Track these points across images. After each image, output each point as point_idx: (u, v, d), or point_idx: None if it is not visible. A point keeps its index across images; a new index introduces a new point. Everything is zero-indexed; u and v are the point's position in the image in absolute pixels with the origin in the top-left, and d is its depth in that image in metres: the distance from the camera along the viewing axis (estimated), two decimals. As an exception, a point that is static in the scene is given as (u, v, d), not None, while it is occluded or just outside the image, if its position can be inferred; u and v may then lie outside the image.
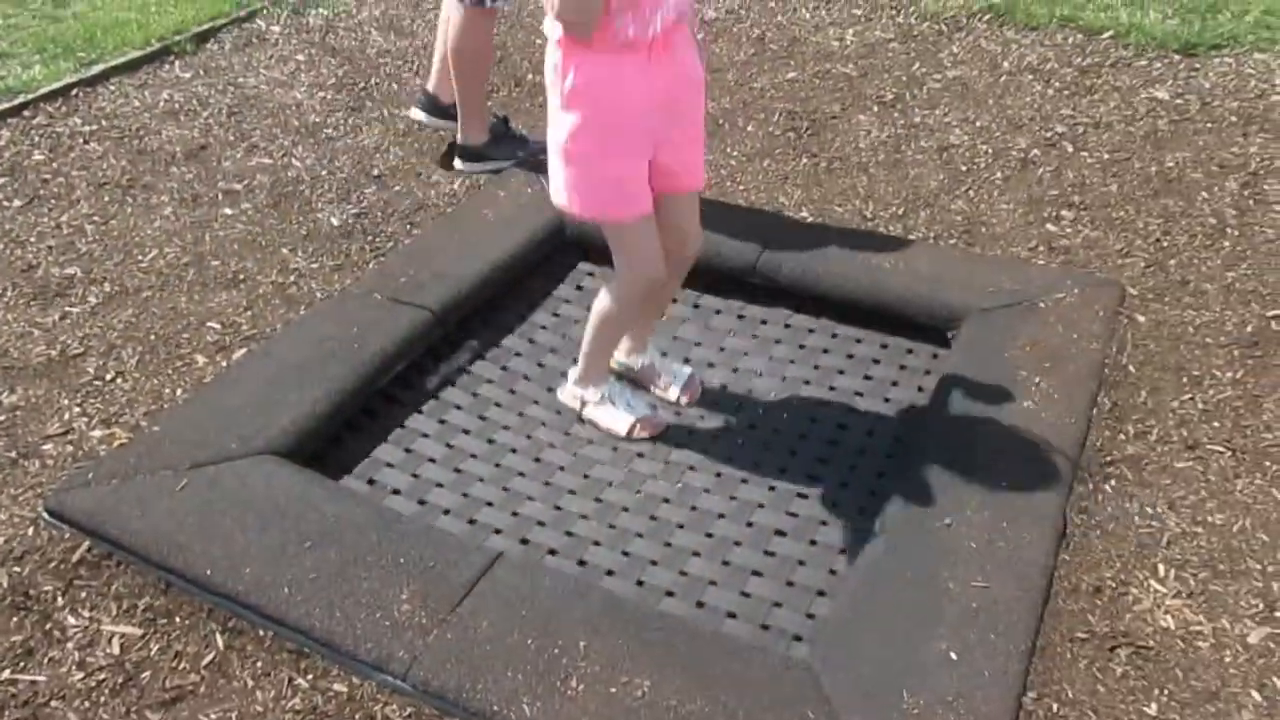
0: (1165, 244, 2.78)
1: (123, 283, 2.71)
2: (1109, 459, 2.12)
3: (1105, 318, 2.44)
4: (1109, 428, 2.19)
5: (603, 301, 2.18)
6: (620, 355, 2.44)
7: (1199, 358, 2.38)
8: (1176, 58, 3.68)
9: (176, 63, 3.80)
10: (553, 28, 1.85)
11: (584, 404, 2.34)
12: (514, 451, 2.28)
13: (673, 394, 2.42)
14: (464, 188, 3.12)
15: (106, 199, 3.05)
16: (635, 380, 2.45)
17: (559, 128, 1.94)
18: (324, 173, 3.19)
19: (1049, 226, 2.88)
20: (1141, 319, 2.50)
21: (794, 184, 3.12)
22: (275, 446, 2.10)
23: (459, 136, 3.19)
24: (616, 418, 2.31)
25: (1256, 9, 3.86)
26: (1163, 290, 2.60)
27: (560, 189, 2.00)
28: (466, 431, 2.33)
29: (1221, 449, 2.14)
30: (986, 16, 4.03)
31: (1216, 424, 2.20)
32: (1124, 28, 3.83)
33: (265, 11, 4.18)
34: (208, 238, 2.90)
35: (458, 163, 3.21)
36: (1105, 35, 3.84)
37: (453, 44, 3.02)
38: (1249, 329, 2.45)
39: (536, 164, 3.07)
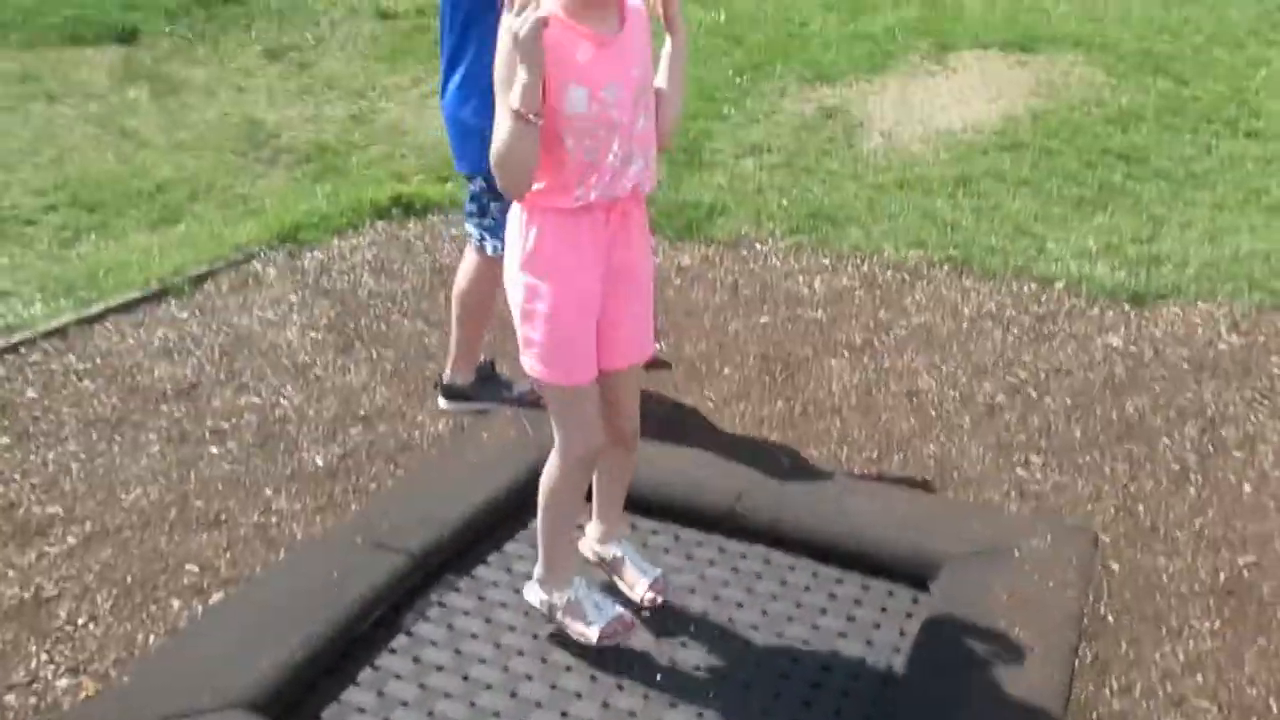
0: (1133, 489, 2.86)
1: (103, 522, 2.71)
2: (1095, 715, 2.10)
3: (1080, 565, 2.48)
4: (1092, 681, 2.19)
5: (546, 477, 2.19)
6: (593, 542, 2.43)
7: (1176, 607, 2.40)
8: (1127, 306, 3.90)
9: (173, 303, 3.94)
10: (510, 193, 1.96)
11: (552, 609, 2.30)
12: (489, 688, 2.23)
13: (639, 591, 2.40)
14: (448, 429, 3.19)
15: (95, 436, 3.09)
16: (606, 570, 2.44)
17: (511, 285, 2.03)
18: (311, 412, 3.26)
19: (1019, 471, 2.97)
20: (1116, 566, 2.54)
21: (771, 427, 3.22)
22: (250, 699, 2.04)
23: (446, 375, 3.29)
24: (586, 627, 2.27)
25: (1195, 262, 4.14)
26: (1134, 537, 2.66)
27: (521, 348, 2.07)
28: (440, 668, 2.28)
29: (1207, 704, 2.13)
30: (945, 266, 4.27)
31: (1200, 678, 2.20)
32: (1075, 278, 4.08)
33: (262, 254, 4.37)
34: (192, 476, 2.92)
35: (442, 401, 3.29)
36: (1058, 284, 4.07)
37: (460, 286, 3.15)
38: (1222, 577, 2.50)
39: (519, 407, 3.16)
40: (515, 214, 2.02)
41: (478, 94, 2.77)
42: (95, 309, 3.81)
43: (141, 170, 5.10)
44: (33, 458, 2.98)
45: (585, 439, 2.12)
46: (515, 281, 2.03)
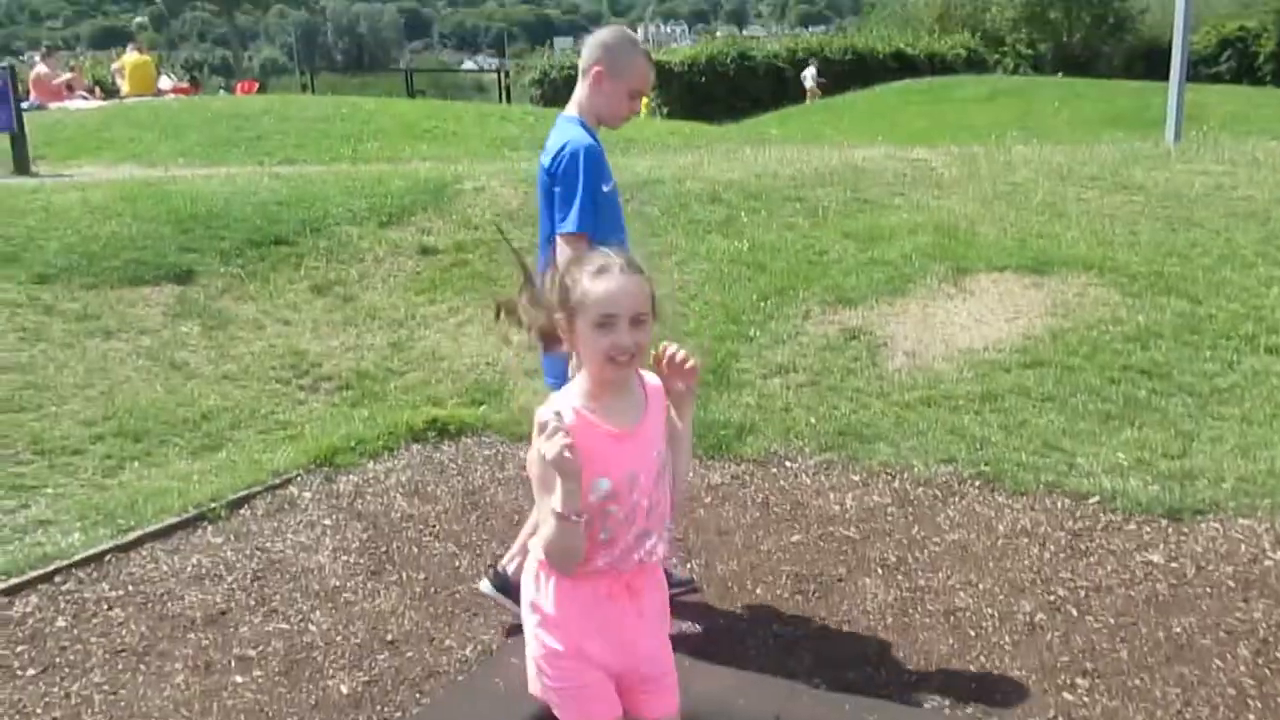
0: (1188, 715, 2.73)
1: (122, 757, 2.65)
2: None
3: (1139, 799, 2.34)
4: None
5: None
6: None
7: (1247, 845, 2.24)
8: (1164, 522, 3.85)
9: (209, 528, 3.99)
10: (535, 547, 2.02)
11: None
12: None
13: None
14: (476, 654, 3.14)
15: (120, 666, 3.07)
16: None
17: (526, 625, 2.07)
18: (339, 638, 3.23)
19: (1065, 695, 2.85)
20: (1177, 800, 2.40)
21: (805, 649, 3.14)
22: None
23: (502, 562, 3.25)
24: None
25: (1231, 477, 4.10)
26: (1194, 767, 2.52)
27: (531, 674, 2.08)
28: None
29: None
30: (977, 482, 4.26)
31: None
32: (1108, 493, 4.05)
33: (299, 478, 4.45)
34: (215, 708, 2.87)
35: (484, 584, 3.25)
36: (1092, 500, 4.04)
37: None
38: (1293, 812, 2.34)
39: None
40: (532, 562, 2.09)
41: None
42: (132, 536, 3.86)
43: (187, 400, 5.28)
44: (56, 690, 2.95)
45: None
46: (528, 624, 2.10)
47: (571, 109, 3.18)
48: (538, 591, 2.05)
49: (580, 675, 2.04)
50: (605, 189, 3.10)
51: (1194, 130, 11.65)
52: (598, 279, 1.95)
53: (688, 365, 2.05)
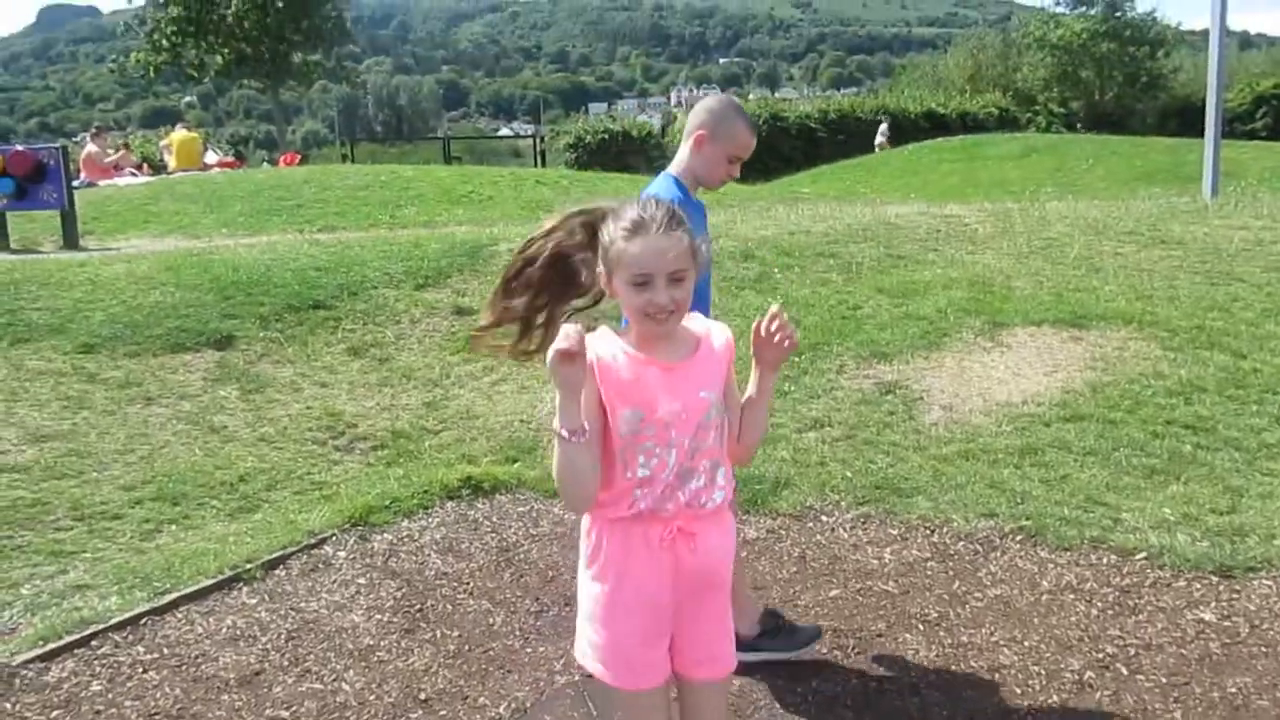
0: (1246, 777, 2.62)
1: (153, 819, 2.62)
2: None
3: None
4: None
5: None
6: None
7: None
8: (1214, 579, 3.74)
9: (244, 589, 3.99)
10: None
11: None
12: None
13: None
14: (510, 712, 3.10)
15: (154, 728, 3.05)
16: None
17: (580, 584, 2.06)
18: (372, 697, 3.20)
19: (1118, 757, 2.75)
20: None
21: (845, 705, 3.07)
22: None
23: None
24: None
25: (1283, 531, 3.99)
26: (1256, 831, 2.41)
27: (579, 645, 2.06)
28: None
29: None
30: (1019, 536, 4.18)
31: None
32: (1156, 549, 3.94)
33: (334, 538, 4.45)
34: (247, 769, 2.84)
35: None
36: (1139, 556, 3.94)
37: None
38: None
39: (585, 688, 3.07)
40: (585, 518, 2.11)
41: None
42: (168, 599, 3.87)
43: (225, 463, 5.33)
44: (91, 750, 2.94)
45: None
46: (582, 581, 2.09)
47: (672, 167, 3.26)
48: (589, 544, 2.04)
49: (628, 626, 2.00)
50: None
51: (1231, 186, 11.57)
52: (633, 238, 1.95)
53: (786, 343, 2.08)
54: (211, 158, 20.21)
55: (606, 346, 2.02)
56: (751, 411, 2.15)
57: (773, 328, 2.08)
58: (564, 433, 1.92)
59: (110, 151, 17.46)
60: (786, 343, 2.08)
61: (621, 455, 1.99)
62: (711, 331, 2.11)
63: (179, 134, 19.36)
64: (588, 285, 2.17)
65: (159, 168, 19.73)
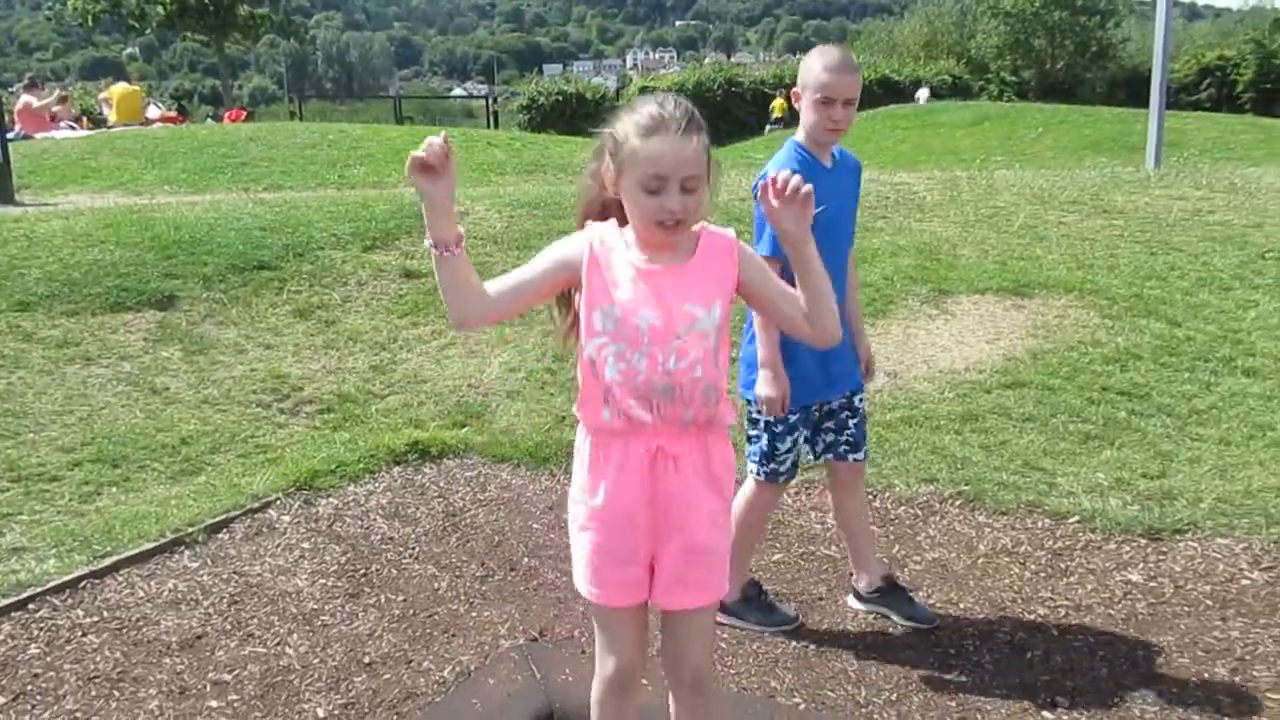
0: (1166, 732, 2.73)
1: (92, 784, 2.61)
2: None
3: (1116, 816, 2.33)
4: None
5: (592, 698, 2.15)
6: None
7: None
8: (1143, 541, 3.85)
9: (186, 553, 3.95)
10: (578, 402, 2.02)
11: None
12: None
13: None
14: (454, 675, 3.11)
15: (93, 693, 3.03)
16: None
17: (570, 498, 2.08)
18: (316, 661, 3.20)
19: (1045, 714, 2.84)
20: (1155, 817, 2.39)
21: (784, 667, 3.13)
22: None
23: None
24: None
25: (1209, 497, 4.12)
26: (1171, 784, 2.51)
27: (576, 569, 2.09)
28: None
29: None
30: (958, 501, 4.27)
31: None
32: (1088, 513, 4.05)
33: (278, 502, 4.42)
34: (189, 733, 2.84)
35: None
36: (1072, 519, 4.04)
37: (737, 510, 3.23)
38: (1269, 828, 2.33)
39: (529, 652, 3.10)
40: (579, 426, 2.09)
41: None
42: (107, 562, 3.82)
43: (167, 425, 5.25)
44: (27, 718, 2.91)
45: (613, 662, 2.09)
46: (571, 494, 2.09)
47: (797, 134, 3.21)
48: (577, 453, 2.04)
49: (600, 540, 2.00)
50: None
51: (1174, 156, 11.79)
52: (650, 137, 1.84)
53: (801, 192, 1.90)
54: (153, 112, 19.69)
55: (610, 236, 1.97)
56: (806, 290, 1.99)
57: (777, 186, 1.93)
58: (429, 245, 1.89)
59: (48, 98, 16.89)
60: (797, 194, 1.90)
61: (596, 352, 1.95)
62: (713, 236, 2.01)
63: (119, 87, 18.83)
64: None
65: (99, 121, 19.19)
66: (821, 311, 2.00)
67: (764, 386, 3.12)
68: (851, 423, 3.34)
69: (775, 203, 1.94)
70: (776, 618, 3.37)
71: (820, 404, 3.28)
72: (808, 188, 1.93)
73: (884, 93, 30.40)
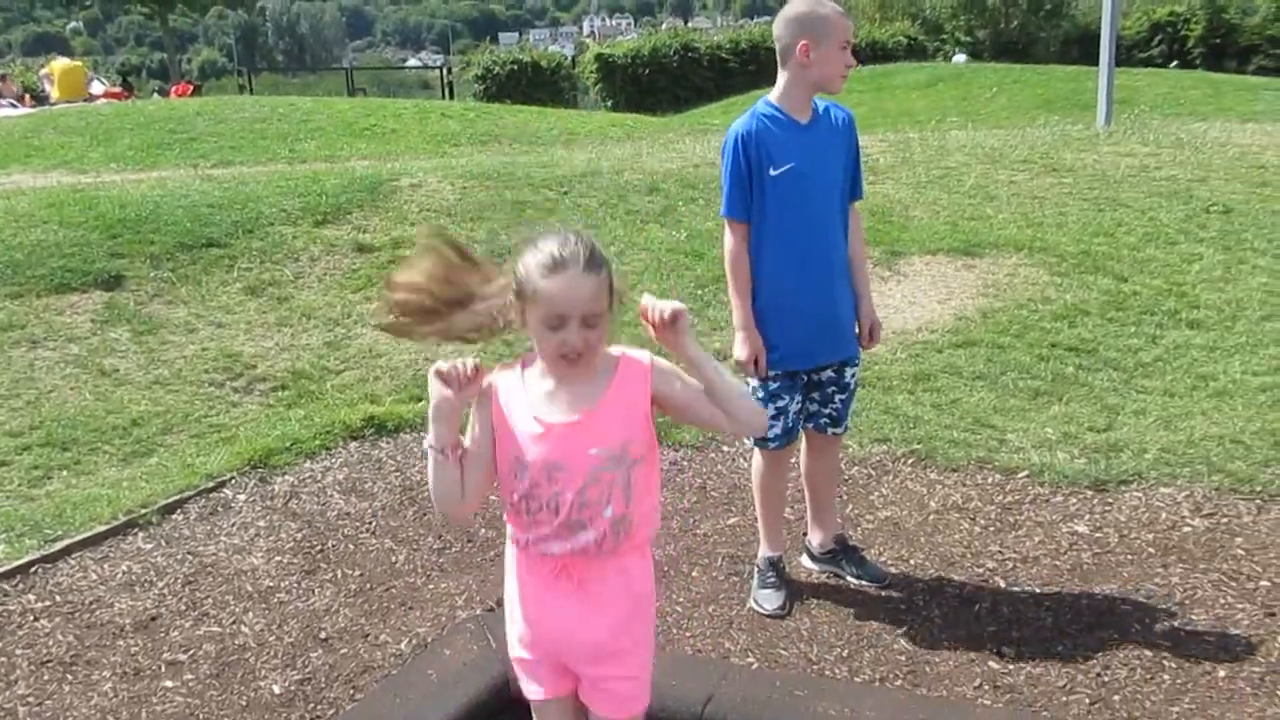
0: (1107, 679, 2.81)
1: (47, 767, 2.61)
2: None
3: (1057, 760, 2.40)
4: None
5: None
6: None
7: (1159, 799, 2.31)
8: (1090, 493, 3.94)
9: (140, 534, 3.92)
10: None
11: None
12: None
13: None
14: (411, 647, 3.13)
15: (46, 678, 3.02)
16: None
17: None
18: (272, 638, 3.20)
19: (991, 664, 2.91)
20: (1094, 759, 2.46)
21: (739, 629, 3.17)
22: None
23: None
24: None
25: (1153, 448, 4.21)
26: (1111, 727, 2.59)
27: None
28: None
29: None
30: (910, 460, 4.33)
31: None
32: (1037, 467, 4.13)
33: (233, 481, 4.39)
34: (144, 715, 2.84)
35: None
36: (1021, 474, 4.12)
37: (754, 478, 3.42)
38: (1203, 765, 2.42)
39: (485, 622, 3.11)
40: None
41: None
42: (59, 546, 3.79)
43: (117, 407, 5.19)
44: (-20, 701, 2.90)
45: None
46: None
47: (770, 95, 3.17)
48: (509, 560, 2.08)
49: (515, 634, 2.07)
50: (773, 173, 3.07)
51: (1125, 113, 11.90)
52: (550, 276, 1.84)
53: (667, 316, 1.92)
54: (97, 88, 19.29)
55: (513, 389, 1.96)
56: (706, 388, 1.99)
57: (653, 319, 1.94)
58: (427, 446, 1.94)
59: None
60: (669, 317, 1.93)
61: (509, 495, 1.98)
62: (630, 363, 1.97)
63: (61, 63, 18.39)
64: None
65: (41, 98, 18.74)
66: (727, 403, 1.99)
67: (737, 348, 3.15)
68: (838, 398, 3.34)
69: (651, 332, 1.97)
70: (771, 602, 3.29)
71: (809, 372, 3.27)
72: (676, 308, 1.94)
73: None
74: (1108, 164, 8.19)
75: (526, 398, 1.95)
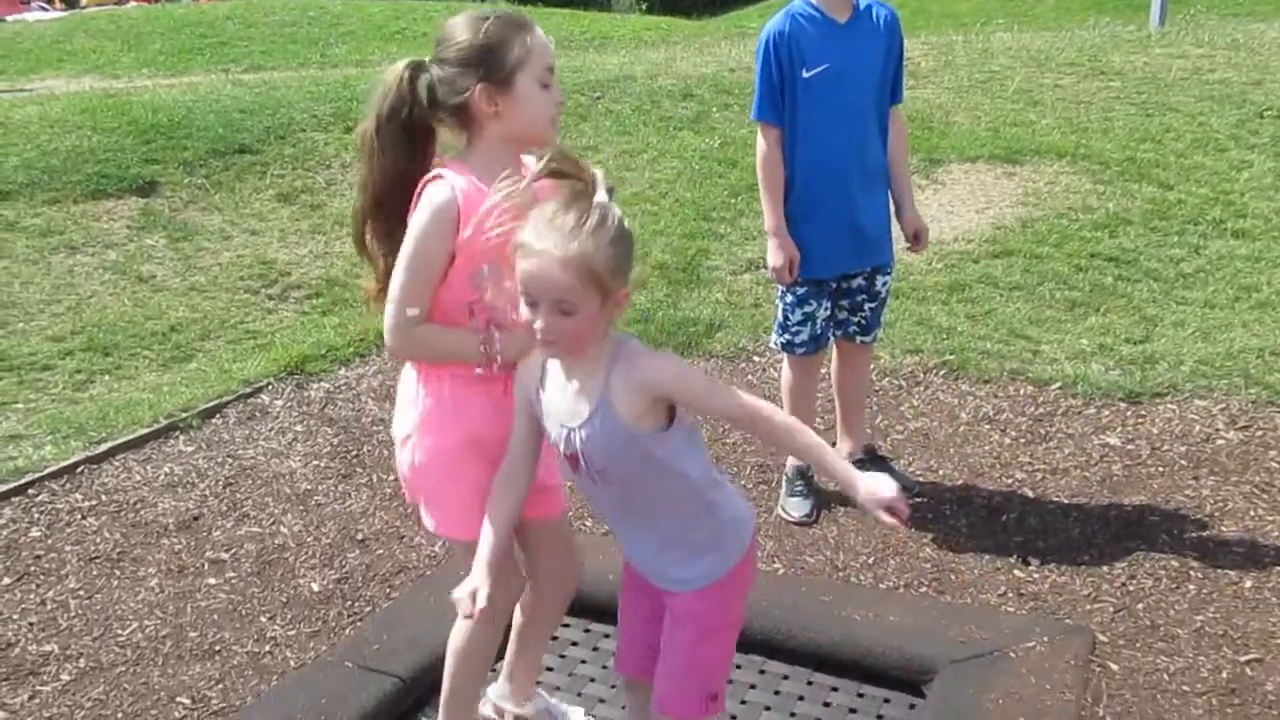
0: (1132, 588, 2.82)
1: (98, 658, 2.72)
2: (1097, 821, 2.04)
3: (1078, 667, 2.43)
4: (1094, 785, 2.13)
5: (457, 635, 2.14)
6: (509, 705, 2.33)
7: (1178, 707, 2.34)
8: (1123, 405, 3.90)
9: (181, 438, 4.02)
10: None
11: None
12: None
13: None
14: (444, 549, 3.20)
15: (95, 573, 3.13)
16: None
17: (413, 449, 2.00)
18: (310, 539, 3.29)
19: (1016, 573, 2.93)
20: (1115, 667, 2.49)
21: (765, 535, 3.21)
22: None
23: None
24: None
25: (1190, 360, 4.15)
26: (1134, 636, 2.61)
27: (422, 508, 2.07)
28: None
29: (1213, 806, 2.06)
30: (942, 371, 4.30)
31: (1204, 778, 2.13)
32: (1070, 379, 4.09)
33: (270, 386, 4.46)
34: (189, 609, 2.94)
35: None
36: (1054, 386, 4.09)
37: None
38: (1224, 675, 2.44)
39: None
40: (407, 375, 2.04)
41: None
42: (104, 447, 3.89)
43: (156, 313, 5.26)
44: (32, 596, 3.01)
45: None
46: (415, 445, 2.02)
47: None
48: (419, 402, 1.98)
49: (468, 488, 1.98)
50: (806, 74, 3.00)
51: (1180, 14, 11.44)
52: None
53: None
54: (127, -10, 19.08)
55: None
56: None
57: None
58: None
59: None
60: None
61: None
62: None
63: (90, -34, 18.20)
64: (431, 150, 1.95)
65: (71, 2, 18.60)
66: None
67: (770, 254, 3.12)
68: (868, 306, 3.30)
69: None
70: (799, 509, 3.31)
71: (839, 279, 3.24)
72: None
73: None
74: (1158, 66, 7.90)
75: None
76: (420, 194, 1.88)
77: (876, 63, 3.10)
